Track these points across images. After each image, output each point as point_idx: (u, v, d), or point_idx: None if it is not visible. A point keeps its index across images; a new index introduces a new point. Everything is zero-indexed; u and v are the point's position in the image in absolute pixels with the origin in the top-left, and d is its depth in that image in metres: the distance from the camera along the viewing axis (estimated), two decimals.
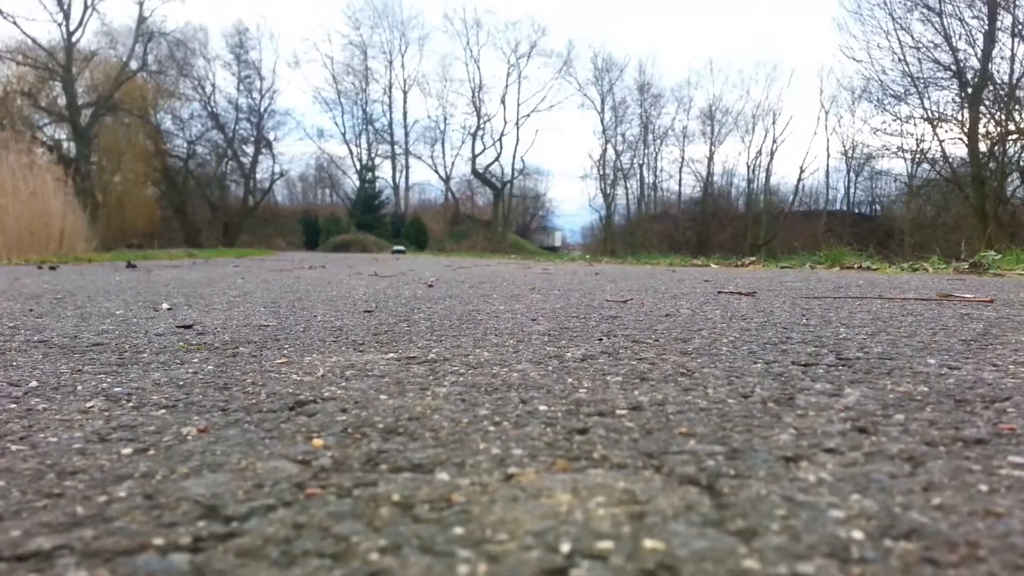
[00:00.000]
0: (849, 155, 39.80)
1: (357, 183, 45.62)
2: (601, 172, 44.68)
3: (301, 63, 42.76)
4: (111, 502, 0.78)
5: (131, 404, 1.27)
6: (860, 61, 37.33)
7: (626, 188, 45.42)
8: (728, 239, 36.80)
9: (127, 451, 0.97)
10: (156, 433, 1.07)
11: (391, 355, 1.84)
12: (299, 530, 0.69)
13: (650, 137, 44.98)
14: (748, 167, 43.23)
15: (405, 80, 43.89)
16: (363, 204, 43.43)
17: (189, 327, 2.49)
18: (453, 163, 45.03)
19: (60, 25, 30.70)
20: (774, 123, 45.45)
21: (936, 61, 25.37)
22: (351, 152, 44.85)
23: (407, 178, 46.37)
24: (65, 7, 30.12)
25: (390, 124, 44.71)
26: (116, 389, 1.40)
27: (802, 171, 42.20)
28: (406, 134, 44.77)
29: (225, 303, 3.58)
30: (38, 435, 1.06)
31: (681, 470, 0.87)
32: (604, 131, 44.53)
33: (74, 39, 31.04)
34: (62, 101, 33.46)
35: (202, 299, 3.86)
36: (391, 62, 43.80)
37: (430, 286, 5.10)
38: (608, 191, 44.48)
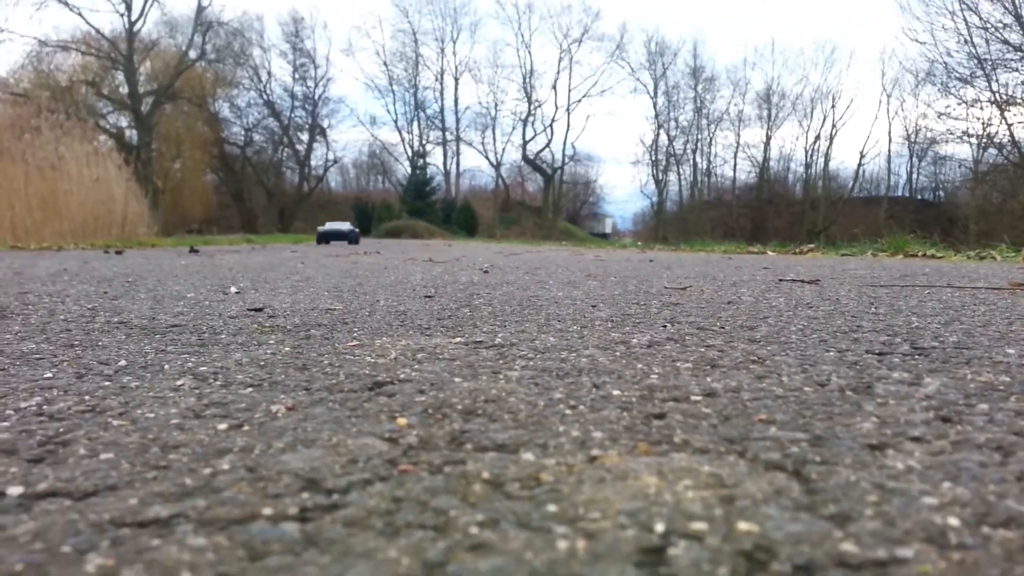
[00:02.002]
0: (912, 140, 38.49)
1: (409, 169, 46.04)
2: (653, 158, 44.13)
3: (354, 50, 42.90)
4: (216, 474, 0.82)
5: (218, 383, 1.32)
6: (924, 43, 35.99)
7: (679, 174, 44.76)
8: (784, 226, 35.97)
9: (223, 427, 1.02)
10: (247, 410, 1.11)
11: (458, 339, 1.87)
12: (398, 503, 0.72)
13: (704, 122, 44.16)
14: (806, 152, 42.13)
15: (456, 67, 43.94)
16: (414, 190, 43.79)
17: (260, 310, 2.56)
18: (504, 149, 44.98)
19: (122, 15, 31.57)
20: (833, 107, 43.99)
21: (1005, 41, 24.33)
22: (403, 139, 45.24)
23: (458, 164, 46.63)
24: None
25: (441, 111, 44.91)
26: (202, 368, 1.46)
27: (862, 156, 41.02)
28: (457, 120, 44.91)
29: (289, 287, 3.67)
30: (136, 411, 1.11)
31: (765, 456, 0.87)
32: (657, 116, 43.90)
33: (136, 28, 31.90)
34: (124, 90, 34.43)
35: (267, 283, 3.97)
36: (442, 49, 43.93)
37: (485, 272, 5.13)
38: (660, 177, 43.93)
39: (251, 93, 42.09)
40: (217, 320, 2.28)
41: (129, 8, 31.25)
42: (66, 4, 29.22)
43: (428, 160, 45.68)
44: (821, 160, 41.54)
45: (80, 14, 30.34)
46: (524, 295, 3.19)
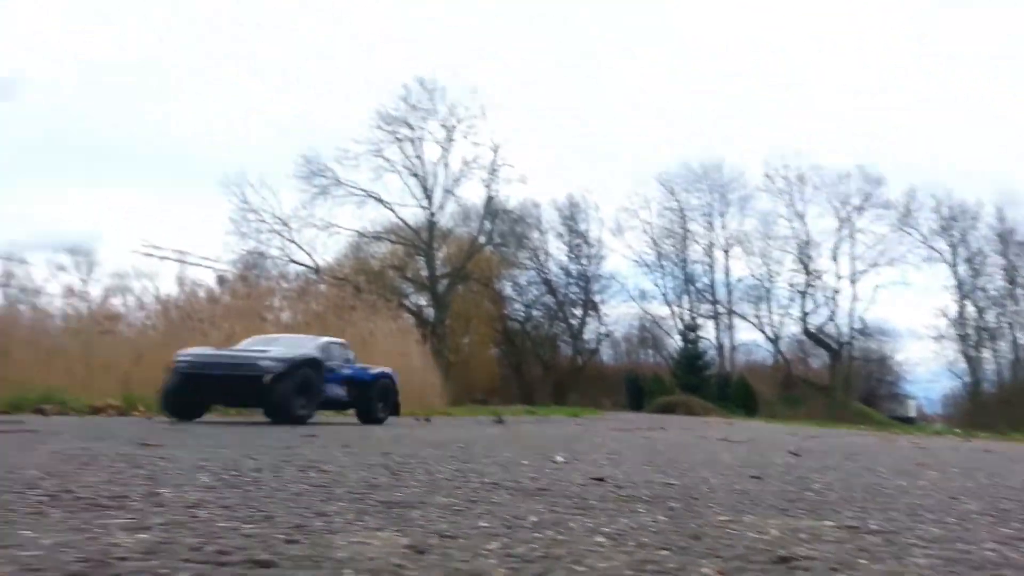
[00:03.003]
0: None
1: (680, 343, 45.96)
2: (960, 332, 39.48)
3: (623, 229, 45.00)
4: None
5: (631, 543, 1.49)
6: None
7: (994, 350, 39.36)
8: None
9: None
10: (680, 570, 1.25)
11: (827, 522, 1.87)
12: None
13: (1020, 292, 38.96)
14: None
15: (726, 239, 44.08)
16: (686, 364, 43.30)
17: (602, 480, 2.75)
18: (781, 322, 42.98)
19: (425, 208, 36.75)
20: None
21: None
22: (672, 312, 45.43)
23: (732, 338, 45.39)
24: (430, 194, 36.26)
25: (712, 284, 44.72)
26: (604, 529, 1.65)
27: None
28: (728, 293, 44.28)
29: (605, 459, 3.86)
30: (585, 560, 1.30)
31: None
32: (959, 286, 39.68)
33: (435, 219, 36.90)
34: (424, 272, 39.38)
35: (582, 453, 4.21)
36: (711, 223, 44.45)
37: (797, 455, 4.93)
38: (971, 354, 38.96)
39: (530, 272, 45.81)
40: (573, 487, 2.50)
41: (431, 202, 36.40)
42: (381, 202, 34.95)
43: (699, 333, 45.28)
44: None
45: (391, 209, 35.85)
46: (860, 482, 3.04)
